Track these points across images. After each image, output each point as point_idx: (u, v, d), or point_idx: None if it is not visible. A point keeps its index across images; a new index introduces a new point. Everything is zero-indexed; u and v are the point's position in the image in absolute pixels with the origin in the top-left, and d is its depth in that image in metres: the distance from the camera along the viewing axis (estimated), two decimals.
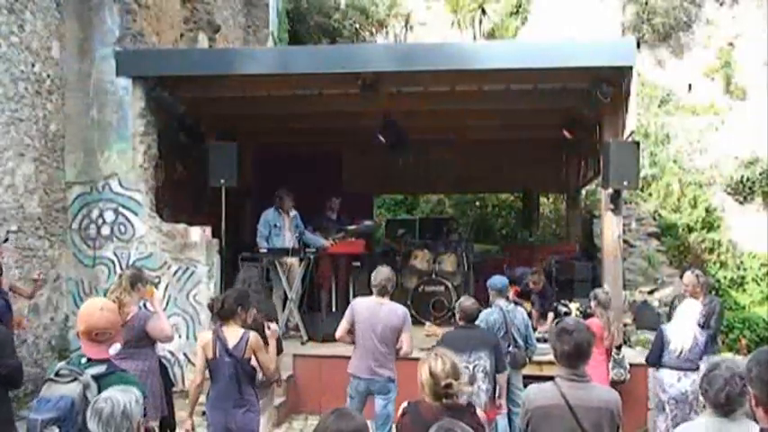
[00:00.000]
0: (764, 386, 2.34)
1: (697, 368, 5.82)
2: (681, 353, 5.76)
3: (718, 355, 6.67)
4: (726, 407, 2.60)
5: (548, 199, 14.95)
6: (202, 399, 4.79)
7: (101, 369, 3.00)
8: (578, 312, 6.58)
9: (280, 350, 5.53)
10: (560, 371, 3.20)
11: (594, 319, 6.21)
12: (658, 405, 5.93)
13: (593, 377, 5.98)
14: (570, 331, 3.20)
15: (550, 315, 7.73)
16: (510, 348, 5.91)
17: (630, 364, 6.66)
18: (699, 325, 6.01)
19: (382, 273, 5.39)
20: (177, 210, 8.66)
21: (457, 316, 5.63)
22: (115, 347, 3.12)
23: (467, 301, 5.61)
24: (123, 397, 2.55)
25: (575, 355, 3.17)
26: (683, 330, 5.83)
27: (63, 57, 7.45)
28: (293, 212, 8.54)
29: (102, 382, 2.94)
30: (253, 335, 4.50)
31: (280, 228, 8.38)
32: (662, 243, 12.33)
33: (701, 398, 5.90)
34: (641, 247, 11.89)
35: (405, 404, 3.33)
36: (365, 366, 5.31)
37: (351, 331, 5.38)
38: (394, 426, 5.40)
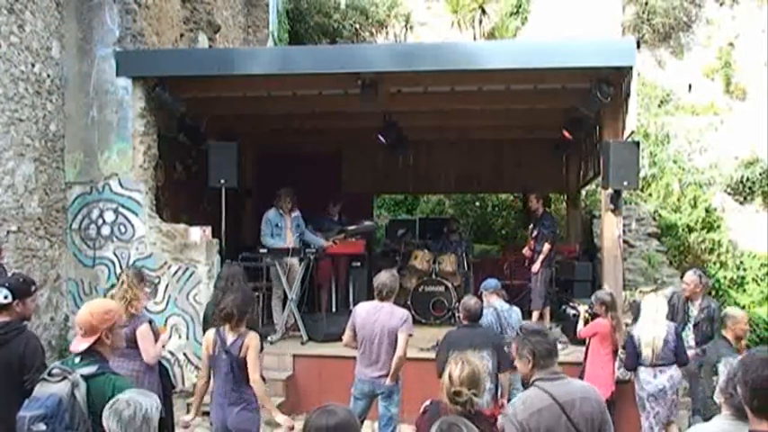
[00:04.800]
0: (746, 387, 2.35)
1: (672, 363, 5.86)
2: (653, 352, 5.80)
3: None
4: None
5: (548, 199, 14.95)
6: (207, 399, 4.82)
7: (92, 369, 3.06)
8: (587, 314, 6.57)
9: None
10: (539, 373, 3.14)
11: (602, 320, 6.21)
12: (639, 403, 5.97)
13: (601, 377, 6.04)
14: (542, 332, 3.25)
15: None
16: (505, 349, 5.91)
17: None
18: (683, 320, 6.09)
19: (380, 277, 5.43)
20: (177, 210, 8.67)
21: (461, 315, 5.63)
22: (81, 346, 3.14)
23: (470, 300, 5.62)
24: (145, 401, 2.58)
25: (553, 353, 3.19)
26: (652, 330, 5.88)
27: (63, 57, 7.45)
28: (295, 212, 8.54)
29: (91, 381, 3.01)
30: (251, 335, 4.52)
31: (281, 228, 8.38)
32: (662, 243, 12.32)
33: (680, 393, 5.97)
34: (641, 247, 11.88)
35: (427, 402, 3.38)
36: (368, 369, 5.33)
37: (356, 337, 5.40)
38: (397, 427, 5.44)
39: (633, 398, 6.06)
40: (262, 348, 5.51)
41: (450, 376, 3.16)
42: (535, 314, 8.58)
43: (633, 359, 5.94)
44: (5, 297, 3.83)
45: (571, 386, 3.16)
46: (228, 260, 6.78)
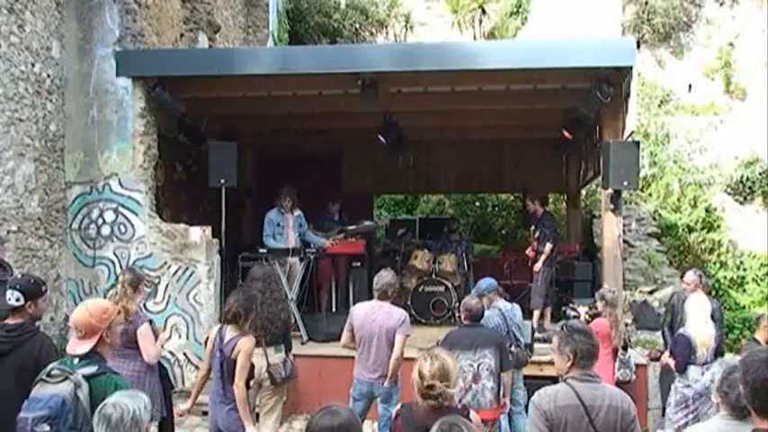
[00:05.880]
0: (747, 387, 2.35)
1: (712, 360, 5.86)
2: (707, 350, 5.83)
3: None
4: (745, 410, 2.59)
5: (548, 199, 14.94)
6: (206, 399, 4.83)
7: (92, 369, 3.06)
8: (587, 316, 6.56)
9: (289, 348, 5.58)
10: (573, 372, 3.18)
11: (601, 319, 6.21)
12: (679, 402, 5.92)
13: (600, 378, 5.99)
14: (586, 332, 3.28)
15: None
16: (512, 348, 5.90)
17: (635, 365, 6.65)
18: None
19: (384, 277, 5.40)
20: (177, 210, 8.67)
21: (462, 315, 5.61)
22: (82, 348, 3.14)
23: (471, 300, 5.59)
24: (132, 403, 2.57)
25: (594, 355, 3.23)
26: (706, 329, 5.89)
27: (63, 57, 7.45)
28: (297, 212, 8.54)
29: (92, 382, 3.01)
30: (246, 338, 4.50)
31: (283, 227, 8.39)
32: (662, 243, 12.32)
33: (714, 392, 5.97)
34: (641, 247, 11.88)
35: (399, 406, 3.35)
36: (366, 370, 5.32)
37: (354, 337, 5.39)
38: None
39: (633, 398, 6.04)
40: (290, 349, 5.54)
41: (420, 372, 3.09)
42: (535, 313, 8.57)
43: (685, 360, 5.88)
44: (17, 299, 3.80)
45: (601, 391, 3.17)
46: (259, 261, 6.85)
